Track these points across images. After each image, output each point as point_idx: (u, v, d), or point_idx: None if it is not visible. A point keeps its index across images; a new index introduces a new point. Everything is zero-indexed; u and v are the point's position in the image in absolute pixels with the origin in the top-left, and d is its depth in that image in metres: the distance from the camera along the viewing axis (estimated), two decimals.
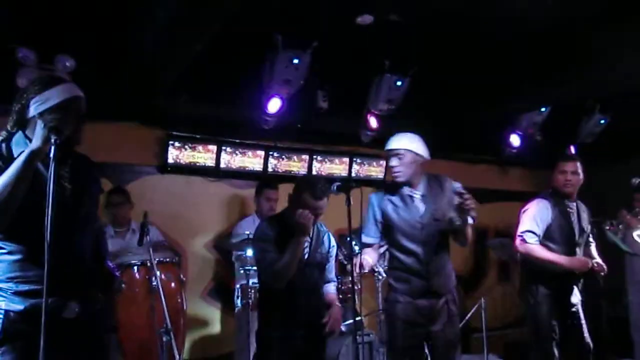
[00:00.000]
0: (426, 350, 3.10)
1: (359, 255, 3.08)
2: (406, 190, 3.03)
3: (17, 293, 2.00)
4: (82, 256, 2.16)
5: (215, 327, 4.83)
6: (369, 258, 3.08)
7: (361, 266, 3.00)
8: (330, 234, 3.14)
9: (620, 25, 3.90)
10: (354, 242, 4.07)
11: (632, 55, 4.15)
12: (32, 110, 2.01)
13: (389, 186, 3.10)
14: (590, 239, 3.86)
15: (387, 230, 3.08)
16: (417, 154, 3.00)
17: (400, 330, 2.97)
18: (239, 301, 4.07)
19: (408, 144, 3.01)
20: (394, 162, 2.99)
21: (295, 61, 4.05)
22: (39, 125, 1.96)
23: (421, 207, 3.01)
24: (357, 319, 4.52)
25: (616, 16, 3.77)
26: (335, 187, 2.77)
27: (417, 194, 3.04)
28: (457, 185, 2.94)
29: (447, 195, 3.01)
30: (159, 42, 3.41)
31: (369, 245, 3.13)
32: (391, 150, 3.03)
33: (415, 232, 2.98)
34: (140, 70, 3.96)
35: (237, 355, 4.30)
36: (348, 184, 2.77)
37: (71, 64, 3.67)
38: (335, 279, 3.27)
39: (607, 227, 5.01)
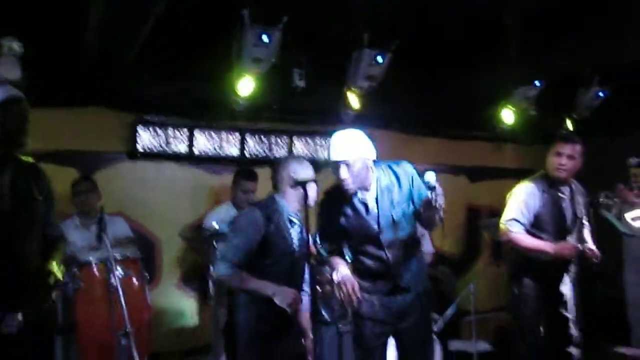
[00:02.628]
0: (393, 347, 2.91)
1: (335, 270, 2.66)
2: (357, 196, 2.70)
3: None
4: (25, 265, 2.07)
5: (192, 319, 4.68)
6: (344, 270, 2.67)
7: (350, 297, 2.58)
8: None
9: None
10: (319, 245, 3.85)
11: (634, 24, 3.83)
12: None
13: (335, 196, 2.73)
14: (584, 222, 3.61)
15: (345, 236, 2.79)
16: (366, 158, 2.63)
17: (368, 329, 2.77)
18: (212, 293, 3.91)
19: (356, 149, 2.60)
20: (342, 173, 2.58)
21: (265, 38, 3.76)
22: None
23: (375, 212, 2.69)
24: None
25: None
26: (292, 182, 2.54)
27: (370, 197, 2.71)
28: (430, 175, 2.44)
29: (406, 185, 2.69)
30: (106, 17, 3.14)
31: (335, 250, 2.82)
32: (337, 162, 2.59)
33: (373, 240, 2.71)
34: (98, 50, 3.69)
35: (214, 348, 4.15)
36: (305, 180, 2.52)
37: (19, 47, 3.42)
38: (307, 275, 3.00)
39: (602, 199, 4.78)
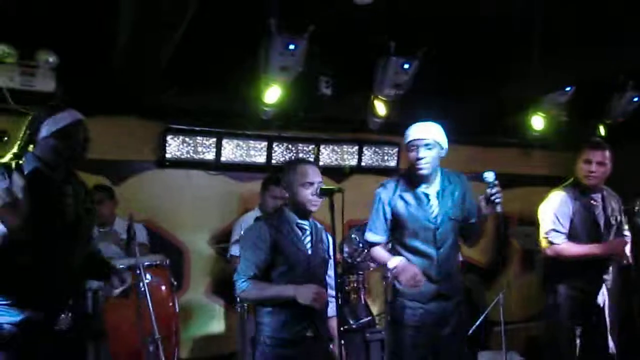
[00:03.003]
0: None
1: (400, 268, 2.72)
2: (421, 187, 2.81)
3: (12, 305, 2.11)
4: (77, 270, 2.27)
5: (219, 325, 4.70)
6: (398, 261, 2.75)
7: (415, 279, 2.66)
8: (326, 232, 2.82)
9: None
10: (356, 239, 3.85)
11: None
12: (45, 132, 2.16)
13: (398, 183, 2.85)
14: (626, 232, 3.51)
15: (395, 228, 2.85)
16: (442, 148, 2.78)
17: (409, 339, 2.77)
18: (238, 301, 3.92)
19: (438, 135, 2.77)
20: (422, 152, 2.71)
21: (291, 47, 3.78)
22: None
23: (436, 205, 2.79)
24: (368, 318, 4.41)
25: None
26: (317, 191, 2.53)
27: (432, 191, 2.82)
28: (490, 175, 2.64)
29: (462, 192, 2.84)
30: (136, 27, 3.19)
31: (375, 244, 2.90)
32: (420, 140, 2.73)
33: (428, 234, 2.78)
34: (128, 60, 3.76)
35: (240, 355, 4.16)
36: (331, 189, 2.51)
37: (54, 60, 3.51)
38: (333, 280, 2.82)
39: (638, 208, 4.66)
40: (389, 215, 2.84)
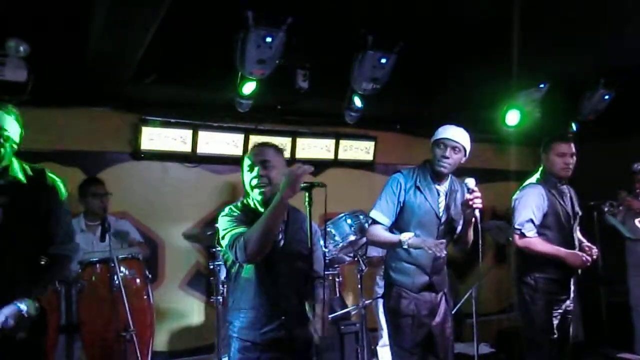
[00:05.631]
0: None
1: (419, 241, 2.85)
2: (435, 182, 2.99)
3: None
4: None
5: (195, 318, 4.70)
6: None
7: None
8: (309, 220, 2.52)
9: None
10: (332, 232, 3.87)
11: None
12: None
13: (414, 175, 3.01)
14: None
15: (402, 216, 2.97)
16: (466, 155, 2.98)
17: (408, 328, 2.92)
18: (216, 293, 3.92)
19: (466, 141, 2.96)
20: (448, 152, 2.90)
21: (269, 39, 3.76)
22: None
23: (444, 203, 2.99)
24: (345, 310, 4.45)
25: None
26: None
27: (443, 190, 3.01)
28: (471, 181, 2.84)
29: (462, 199, 3.00)
30: (111, 18, 3.13)
31: (379, 224, 2.98)
32: (452, 141, 2.92)
33: (432, 226, 2.95)
34: (103, 51, 3.70)
35: (217, 347, 4.17)
36: (311, 183, 2.43)
37: (25, 48, 3.43)
38: (321, 275, 2.57)
39: (607, 209, 4.80)
40: (401, 200, 2.96)
